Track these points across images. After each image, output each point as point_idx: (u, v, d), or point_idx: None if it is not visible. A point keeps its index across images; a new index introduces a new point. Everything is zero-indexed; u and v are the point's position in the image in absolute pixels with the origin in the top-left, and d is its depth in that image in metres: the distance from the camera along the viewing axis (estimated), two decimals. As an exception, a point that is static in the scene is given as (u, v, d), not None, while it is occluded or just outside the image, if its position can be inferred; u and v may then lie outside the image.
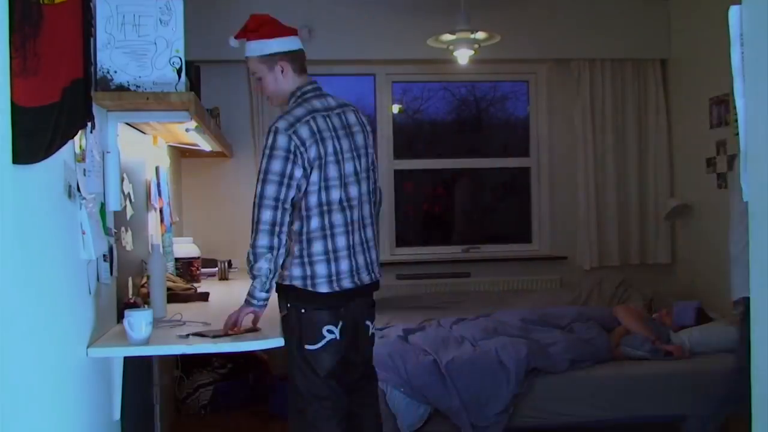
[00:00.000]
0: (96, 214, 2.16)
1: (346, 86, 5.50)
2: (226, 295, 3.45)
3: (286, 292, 2.52)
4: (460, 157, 5.54)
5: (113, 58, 2.29)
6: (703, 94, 4.77)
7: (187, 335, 2.33)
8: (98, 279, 2.24)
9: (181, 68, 2.33)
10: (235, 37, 2.66)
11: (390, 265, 5.11)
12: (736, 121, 1.24)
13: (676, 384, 3.58)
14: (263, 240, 2.37)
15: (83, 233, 2.04)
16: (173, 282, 3.21)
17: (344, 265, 2.49)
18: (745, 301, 2.74)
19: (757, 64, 1.17)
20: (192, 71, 2.66)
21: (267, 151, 2.41)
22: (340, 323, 2.50)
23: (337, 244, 2.48)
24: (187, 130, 3.07)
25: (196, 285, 3.46)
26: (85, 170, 2.13)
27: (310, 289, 2.47)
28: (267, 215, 2.38)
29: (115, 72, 2.29)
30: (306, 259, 2.46)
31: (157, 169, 3.54)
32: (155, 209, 3.49)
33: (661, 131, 5.22)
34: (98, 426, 2.18)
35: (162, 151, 3.78)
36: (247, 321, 2.43)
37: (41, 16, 1.58)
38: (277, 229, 2.38)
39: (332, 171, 2.47)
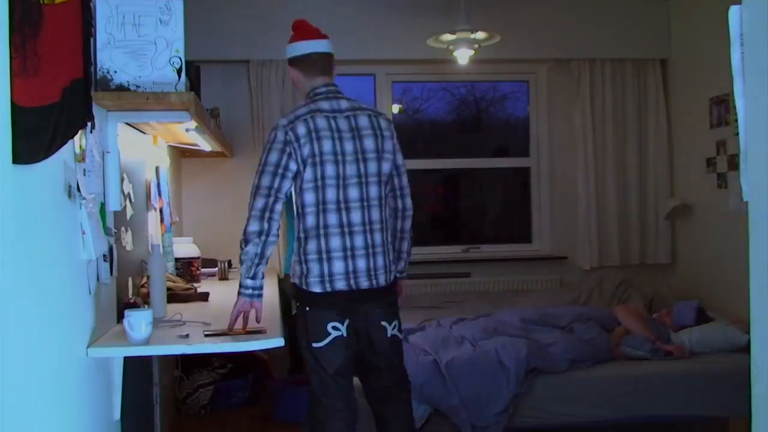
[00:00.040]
0: (96, 214, 2.16)
1: (346, 86, 5.49)
2: (226, 295, 3.45)
3: (295, 290, 2.59)
4: (460, 157, 5.54)
5: (113, 58, 2.29)
6: (703, 94, 4.77)
7: (207, 335, 2.35)
8: (98, 279, 2.24)
9: (181, 68, 2.33)
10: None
11: (390, 265, 5.11)
12: (736, 121, 1.24)
13: (676, 384, 3.58)
14: (253, 225, 2.46)
15: (83, 233, 2.04)
16: (173, 282, 3.21)
17: (338, 266, 2.50)
18: None
19: (757, 64, 1.17)
20: (192, 71, 2.67)
21: (267, 145, 2.52)
22: (347, 320, 2.52)
23: (331, 245, 2.49)
24: (187, 130, 3.07)
25: (196, 285, 3.47)
26: (85, 170, 2.13)
27: (305, 288, 2.51)
28: (260, 203, 2.47)
29: (115, 72, 2.29)
30: (302, 257, 2.51)
31: (157, 169, 3.54)
32: (155, 209, 3.49)
33: (661, 131, 5.22)
34: (98, 426, 2.18)
35: (162, 151, 3.78)
36: (252, 320, 2.45)
37: (41, 16, 1.58)
38: (267, 214, 2.45)
39: (329, 170, 2.50)
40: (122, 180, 2.57)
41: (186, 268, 3.73)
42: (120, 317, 2.46)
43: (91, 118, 2.11)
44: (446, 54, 4.54)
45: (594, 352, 3.73)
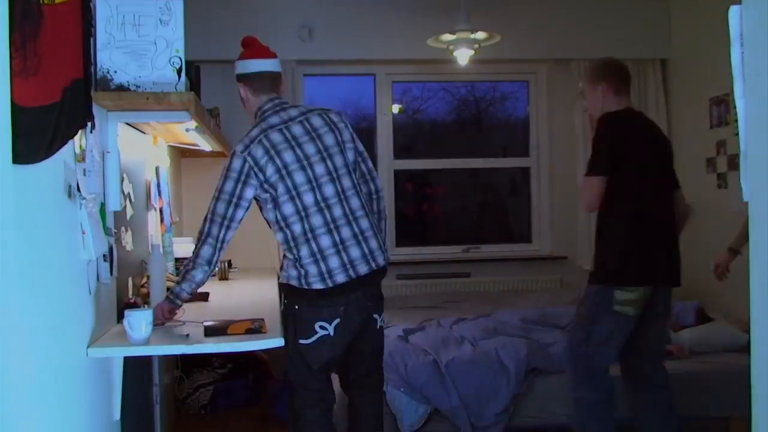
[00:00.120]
0: (96, 214, 2.16)
1: (346, 86, 5.51)
2: (226, 295, 3.45)
3: (284, 288, 2.65)
4: (460, 157, 5.55)
5: (113, 58, 2.29)
6: (703, 94, 4.77)
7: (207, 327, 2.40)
8: (98, 279, 2.24)
9: (181, 68, 2.33)
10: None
11: (390, 265, 5.08)
12: (736, 121, 1.24)
13: (677, 384, 3.57)
14: (206, 252, 2.53)
15: (83, 233, 2.03)
16: (173, 282, 3.20)
17: (333, 262, 2.55)
18: None
19: (757, 64, 1.17)
20: (192, 71, 2.67)
21: (224, 172, 2.57)
22: (336, 320, 2.56)
23: (321, 245, 2.54)
24: (187, 130, 3.07)
25: (196, 285, 3.46)
26: (85, 170, 2.13)
27: (305, 287, 2.55)
28: (214, 230, 2.53)
29: (115, 72, 2.29)
30: (297, 262, 2.56)
31: (157, 169, 3.54)
32: (155, 209, 3.49)
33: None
34: (98, 426, 2.18)
35: (162, 151, 3.78)
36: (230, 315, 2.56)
37: (41, 16, 1.58)
38: (219, 245, 2.53)
39: (299, 177, 2.55)
40: (122, 180, 2.57)
41: (186, 268, 3.73)
42: (120, 317, 2.46)
43: (91, 118, 2.11)
44: (446, 54, 4.54)
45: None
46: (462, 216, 5.82)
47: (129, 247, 2.79)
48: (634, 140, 3.09)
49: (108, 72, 2.29)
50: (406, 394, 3.48)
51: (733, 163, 4.46)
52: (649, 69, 5.23)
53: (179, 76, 2.33)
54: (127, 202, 2.75)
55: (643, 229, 3.02)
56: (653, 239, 3.04)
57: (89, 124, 2.08)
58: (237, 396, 4.41)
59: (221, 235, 2.52)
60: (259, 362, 4.56)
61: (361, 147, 2.76)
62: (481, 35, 4.33)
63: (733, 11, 1.21)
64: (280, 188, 2.52)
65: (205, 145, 3.82)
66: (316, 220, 2.54)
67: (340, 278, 2.55)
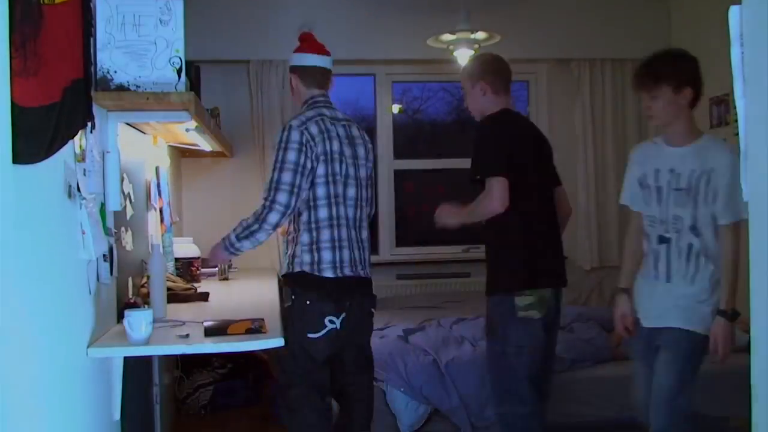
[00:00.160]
0: (96, 214, 2.16)
1: (346, 86, 5.51)
2: (226, 295, 3.45)
3: (294, 280, 2.71)
4: (460, 157, 5.54)
5: (113, 58, 2.29)
6: (703, 94, 4.76)
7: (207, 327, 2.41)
8: (98, 279, 2.24)
9: (181, 68, 2.33)
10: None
11: (390, 265, 5.12)
12: (736, 121, 1.24)
13: (676, 384, 3.57)
14: (274, 218, 2.63)
15: (83, 233, 2.03)
16: (173, 282, 3.20)
17: (346, 254, 2.71)
18: None
19: (757, 64, 1.17)
20: (192, 71, 2.67)
21: (282, 144, 2.66)
22: (342, 315, 2.68)
23: (341, 234, 2.71)
24: (187, 130, 3.07)
25: (196, 285, 3.46)
26: (85, 170, 2.13)
27: (317, 273, 2.66)
28: (283, 198, 2.62)
29: (115, 72, 2.29)
30: (315, 246, 2.68)
31: (157, 169, 3.54)
32: (155, 209, 3.49)
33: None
34: (98, 426, 2.18)
35: (162, 151, 3.78)
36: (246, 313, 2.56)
37: (41, 16, 1.58)
38: (288, 211, 2.64)
39: (337, 168, 2.72)
40: (122, 180, 2.57)
41: (186, 268, 3.73)
42: (120, 317, 2.46)
43: (92, 118, 2.11)
44: (446, 54, 4.54)
45: (594, 352, 3.73)
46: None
47: (129, 247, 2.79)
48: (518, 141, 3.02)
49: (108, 72, 2.29)
50: (406, 394, 3.48)
51: None
52: (649, 69, 5.22)
53: (179, 76, 2.33)
54: (127, 202, 2.75)
55: (532, 231, 2.97)
56: (542, 240, 3.02)
57: (89, 124, 2.08)
58: (237, 396, 4.41)
59: (291, 202, 2.63)
60: (259, 362, 4.56)
61: (372, 169, 2.97)
62: (481, 35, 4.33)
63: (733, 11, 1.21)
64: (321, 170, 2.67)
65: (205, 145, 3.82)
66: (341, 211, 2.72)
67: (348, 272, 2.70)
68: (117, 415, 2.35)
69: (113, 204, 2.43)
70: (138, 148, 3.08)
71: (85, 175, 2.12)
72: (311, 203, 2.68)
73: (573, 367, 3.62)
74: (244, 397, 4.43)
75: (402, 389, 3.48)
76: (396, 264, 5.17)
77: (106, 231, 2.33)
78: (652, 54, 3.07)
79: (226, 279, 4.10)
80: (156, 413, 3.27)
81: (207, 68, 3.44)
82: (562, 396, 3.54)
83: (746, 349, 1.32)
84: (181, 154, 4.63)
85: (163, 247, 3.56)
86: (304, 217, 2.69)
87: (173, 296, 2.99)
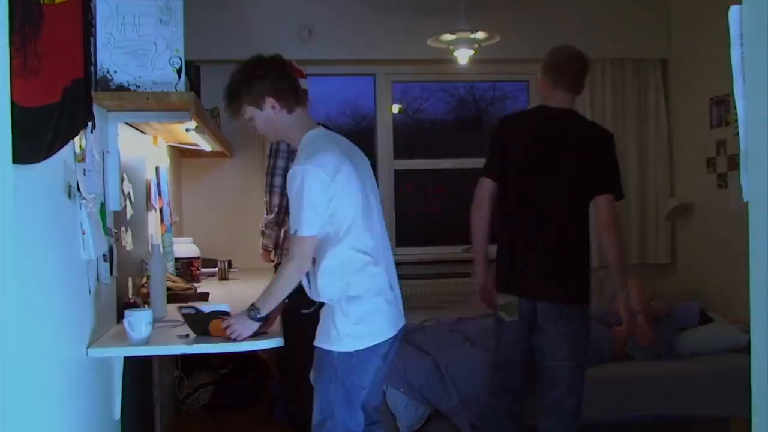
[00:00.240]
0: (96, 214, 2.16)
1: (346, 86, 5.51)
2: (226, 295, 3.45)
3: None
4: (460, 157, 5.54)
5: (113, 58, 2.29)
6: (703, 94, 4.77)
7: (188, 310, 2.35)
8: (98, 279, 2.24)
9: (181, 68, 2.33)
10: None
11: (390, 265, 5.11)
12: (736, 121, 1.24)
13: (676, 384, 3.58)
14: None
15: (83, 233, 2.04)
16: (173, 282, 3.21)
17: None
18: None
19: (757, 64, 1.17)
20: (192, 71, 2.67)
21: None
22: None
23: None
24: (187, 130, 3.07)
25: (196, 285, 3.46)
26: (85, 170, 2.13)
27: None
28: None
29: (115, 72, 2.29)
30: None
31: (157, 169, 3.54)
32: (155, 209, 3.49)
33: (661, 131, 5.21)
34: (98, 426, 2.18)
35: (162, 151, 3.78)
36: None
37: (41, 16, 1.58)
38: None
39: None
40: (122, 180, 2.57)
41: (186, 268, 3.73)
42: (120, 317, 2.46)
43: (92, 118, 2.11)
44: (446, 54, 4.54)
45: (594, 352, 3.72)
46: (462, 216, 5.79)
47: (129, 247, 2.79)
48: (518, 141, 2.98)
49: (108, 72, 2.29)
50: (406, 395, 3.47)
51: (733, 163, 4.46)
52: (649, 69, 5.23)
53: (179, 76, 2.33)
54: (127, 202, 2.75)
55: (506, 235, 2.99)
56: (512, 248, 2.96)
57: (89, 124, 2.08)
58: (237, 396, 4.41)
59: None
60: (259, 362, 4.56)
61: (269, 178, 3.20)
62: (480, 35, 4.33)
63: (733, 11, 1.21)
64: None
65: (205, 145, 3.81)
66: None
67: None
68: (117, 415, 2.35)
69: (113, 204, 2.43)
70: (138, 148, 3.08)
71: (85, 175, 2.12)
72: None
73: (573, 367, 3.61)
74: (244, 397, 4.43)
75: (402, 389, 3.47)
76: (396, 264, 5.15)
77: (106, 231, 2.33)
78: None
79: (226, 279, 4.10)
80: (156, 413, 3.27)
81: (207, 68, 3.43)
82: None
83: (746, 349, 1.32)
84: (181, 154, 4.63)
85: (163, 247, 3.56)
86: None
87: (173, 296, 2.99)
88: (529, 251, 2.94)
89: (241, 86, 2.37)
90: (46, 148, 1.63)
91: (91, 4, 2.20)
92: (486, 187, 3.03)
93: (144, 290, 2.85)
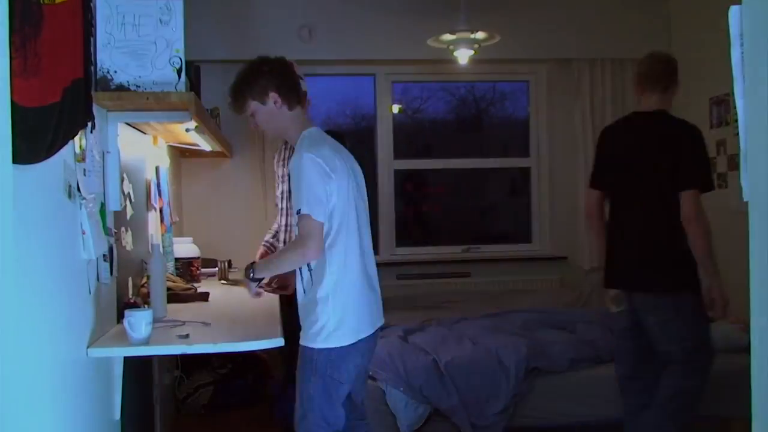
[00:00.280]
0: (96, 214, 2.16)
1: (346, 86, 5.51)
2: (226, 295, 3.45)
3: None
4: (460, 157, 5.54)
5: (113, 58, 2.29)
6: (703, 94, 4.77)
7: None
8: (98, 279, 2.24)
9: (181, 68, 2.33)
10: None
11: (390, 265, 5.11)
12: (736, 121, 1.24)
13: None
14: None
15: (83, 233, 2.04)
16: (173, 282, 3.21)
17: None
18: None
19: (757, 64, 1.17)
20: (192, 71, 2.67)
21: None
22: None
23: None
24: (187, 130, 3.07)
25: (196, 285, 3.46)
26: (85, 170, 2.13)
27: None
28: None
29: (115, 72, 2.29)
30: None
31: (157, 169, 3.54)
32: (155, 209, 3.49)
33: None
34: (98, 426, 2.18)
35: (162, 151, 3.78)
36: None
37: (41, 16, 1.58)
38: None
39: None
40: (122, 180, 2.57)
41: (186, 268, 3.73)
42: (120, 317, 2.46)
43: (91, 118, 2.11)
44: (446, 54, 4.54)
45: (595, 353, 3.72)
46: (462, 216, 5.82)
47: (129, 247, 2.79)
48: (615, 147, 3.25)
49: (108, 72, 2.29)
50: (406, 394, 3.47)
51: (733, 163, 4.46)
52: (649, 69, 5.22)
53: (179, 76, 2.33)
54: (127, 202, 2.75)
55: (611, 235, 3.22)
56: (617, 244, 3.17)
57: (89, 124, 2.08)
58: (237, 396, 4.41)
59: None
60: (259, 362, 4.56)
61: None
62: (481, 35, 4.33)
63: (733, 11, 1.21)
64: None
65: (205, 145, 3.81)
66: None
67: None
68: (117, 415, 2.35)
69: (113, 204, 2.43)
70: (138, 148, 3.08)
71: (85, 175, 2.12)
72: None
73: (573, 367, 3.61)
74: (244, 397, 4.43)
75: (401, 389, 3.48)
76: (396, 264, 5.17)
77: (106, 231, 2.33)
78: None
79: (226, 279, 4.10)
80: (156, 413, 3.27)
81: (207, 68, 3.44)
82: (562, 396, 3.54)
83: (746, 349, 1.32)
84: (181, 154, 4.63)
85: (163, 247, 3.56)
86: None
87: (173, 296, 2.99)
88: (624, 246, 3.16)
89: (247, 80, 2.48)
90: (46, 148, 1.63)
91: (91, 4, 2.20)
92: (590, 197, 3.34)
93: (144, 290, 2.85)
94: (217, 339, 2.36)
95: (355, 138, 5.54)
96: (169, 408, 3.88)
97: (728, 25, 1.23)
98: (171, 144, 3.94)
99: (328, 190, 2.34)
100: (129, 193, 2.79)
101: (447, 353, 3.61)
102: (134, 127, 2.91)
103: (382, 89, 5.26)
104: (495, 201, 5.90)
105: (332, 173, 2.34)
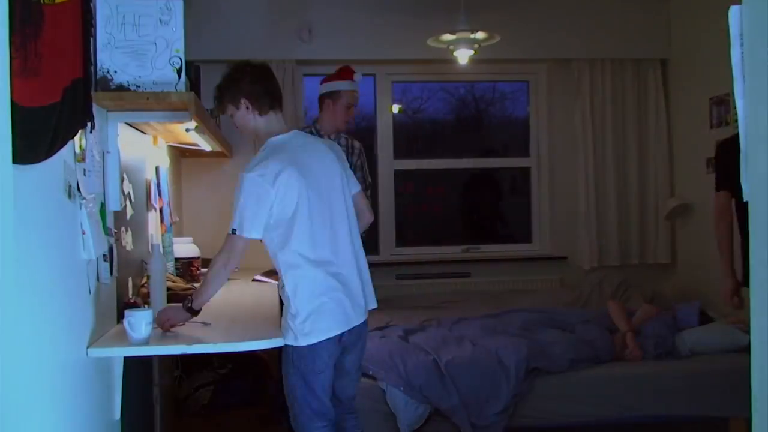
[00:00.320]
0: (96, 214, 2.16)
1: (346, 86, 5.49)
2: (226, 295, 3.45)
3: None
4: (460, 157, 5.54)
5: (113, 58, 2.29)
6: (703, 94, 4.77)
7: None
8: (98, 279, 2.24)
9: (181, 68, 2.33)
10: None
11: (390, 265, 5.11)
12: (736, 121, 1.24)
13: (676, 384, 3.58)
14: None
15: (83, 233, 2.04)
16: (173, 282, 3.20)
17: None
18: None
19: (757, 64, 1.17)
20: (192, 71, 2.67)
21: None
22: None
23: None
24: (187, 130, 3.07)
25: (196, 285, 3.46)
26: (85, 170, 2.13)
27: None
28: None
29: (115, 72, 2.29)
30: None
31: (157, 169, 3.54)
32: (155, 209, 3.49)
33: (661, 131, 5.21)
34: (98, 426, 2.18)
35: (162, 151, 3.78)
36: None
37: (42, 16, 1.58)
38: None
39: None
40: (122, 180, 2.57)
41: (186, 268, 3.73)
42: (120, 317, 2.46)
43: (91, 118, 2.11)
44: (446, 54, 4.54)
45: (595, 353, 3.72)
46: (462, 216, 5.82)
47: (129, 247, 2.79)
48: (731, 153, 3.45)
49: (108, 72, 2.29)
50: (406, 394, 3.47)
51: (733, 163, 4.46)
52: (649, 69, 5.23)
53: (179, 76, 2.33)
54: (127, 202, 2.75)
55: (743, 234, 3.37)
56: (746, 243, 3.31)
57: (89, 124, 2.08)
58: (237, 396, 4.41)
59: None
60: (259, 362, 4.56)
61: None
62: (481, 35, 4.33)
63: (733, 11, 1.21)
64: None
65: (205, 145, 3.81)
66: None
67: None
68: (117, 415, 2.35)
69: (113, 204, 2.43)
70: (138, 148, 3.08)
71: (85, 175, 2.12)
72: None
73: (573, 367, 3.61)
74: (244, 397, 4.43)
75: (402, 389, 3.47)
76: (396, 264, 5.17)
77: (106, 231, 2.33)
78: None
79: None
80: (156, 413, 3.27)
81: (207, 68, 3.44)
82: (562, 396, 3.54)
83: (746, 349, 1.32)
84: (181, 154, 4.63)
85: (163, 247, 3.56)
86: None
87: (173, 296, 2.99)
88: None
89: (224, 85, 2.60)
90: (46, 148, 1.63)
91: (91, 4, 2.20)
92: (718, 199, 3.57)
93: (144, 290, 2.85)
94: (217, 339, 2.36)
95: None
96: (169, 408, 3.88)
97: (728, 25, 1.23)
98: (171, 144, 3.94)
99: (270, 201, 2.42)
100: (129, 193, 2.79)
101: (447, 353, 3.61)
102: (134, 127, 2.91)
103: (382, 89, 5.26)
104: (495, 201, 5.90)
105: (274, 183, 2.41)
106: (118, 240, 2.59)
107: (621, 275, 5.08)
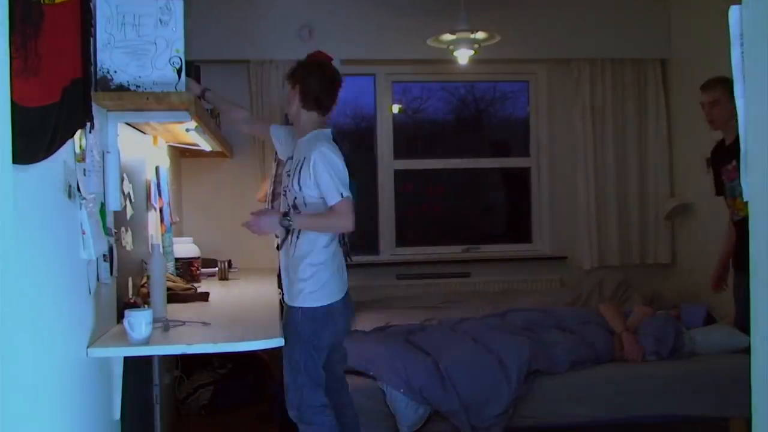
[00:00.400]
0: (96, 214, 2.16)
1: (346, 86, 5.48)
2: (226, 295, 3.45)
3: None
4: (460, 157, 5.54)
5: (113, 58, 2.29)
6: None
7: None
8: (98, 279, 2.24)
9: (181, 68, 2.33)
10: None
11: (390, 265, 5.12)
12: (737, 121, 1.24)
13: (676, 384, 3.58)
14: None
15: (83, 233, 2.03)
16: (173, 282, 3.20)
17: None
18: None
19: (757, 64, 1.17)
20: (192, 71, 2.67)
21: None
22: None
23: None
24: (187, 130, 3.07)
25: (196, 285, 3.46)
26: (85, 170, 2.12)
27: None
28: None
29: (115, 72, 2.29)
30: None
31: (157, 169, 3.54)
32: (155, 209, 3.49)
33: (661, 131, 5.22)
34: (98, 426, 2.18)
35: (162, 151, 3.78)
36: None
37: (42, 16, 1.58)
38: None
39: None
40: (122, 180, 2.57)
41: (186, 268, 3.73)
42: (120, 317, 2.46)
43: (91, 118, 2.11)
44: (446, 54, 4.54)
45: (595, 355, 3.72)
46: (462, 216, 5.82)
47: (129, 247, 2.79)
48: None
49: (108, 72, 2.29)
50: (406, 395, 3.47)
51: (733, 163, 4.46)
52: (649, 69, 5.23)
53: (179, 76, 2.33)
54: (127, 202, 2.75)
55: None
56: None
57: (89, 124, 2.08)
58: (237, 396, 4.41)
59: None
60: (259, 362, 4.56)
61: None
62: (481, 35, 4.33)
63: (733, 11, 1.21)
64: None
65: (205, 145, 3.81)
66: None
67: None
68: (117, 415, 2.34)
69: (113, 204, 2.43)
70: (138, 148, 3.08)
71: (85, 175, 2.11)
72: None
73: (573, 368, 3.61)
74: (244, 397, 4.43)
75: (402, 390, 3.47)
76: (396, 264, 5.17)
77: (106, 231, 2.33)
78: None
79: (226, 279, 4.10)
80: (156, 413, 3.27)
81: (207, 68, 3.44)
82: (562, 396, 3.54)
83: (747, 350, 1.32)
84: (181, 154, 4.63)
85: (163, 247, 3.56)
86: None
87: (173, 296, 2.99)
88: None
89: (299, 67, 2.92)
90: (46, 148, 1.63)
91: (91, 4, 2.20)
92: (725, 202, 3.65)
93: (144, 290, 2.85)
94: (217, 339, 2.36)
95: (355, 138, 5.54)
96: (169, 408, 3.88)
97: (728, 25, 1.23)
98: (171, 144, 3.94)
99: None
100: (129, 193, 2.79)
101: (448, 355, 3.60)
102: (134, 127, 2.91)
103: (382, 89, 5.26)
104: (495, 201, 5.90)
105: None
106: (118, 240, 2.59)
107: (621, 275, 5.08)
